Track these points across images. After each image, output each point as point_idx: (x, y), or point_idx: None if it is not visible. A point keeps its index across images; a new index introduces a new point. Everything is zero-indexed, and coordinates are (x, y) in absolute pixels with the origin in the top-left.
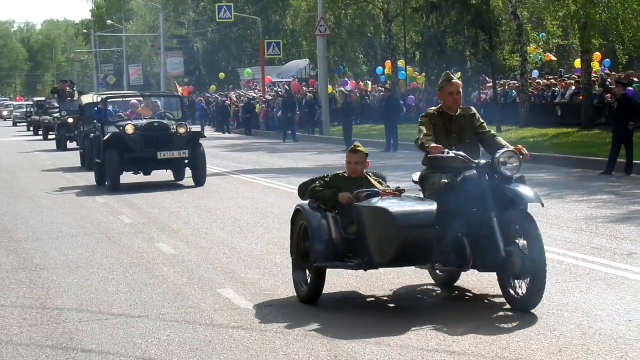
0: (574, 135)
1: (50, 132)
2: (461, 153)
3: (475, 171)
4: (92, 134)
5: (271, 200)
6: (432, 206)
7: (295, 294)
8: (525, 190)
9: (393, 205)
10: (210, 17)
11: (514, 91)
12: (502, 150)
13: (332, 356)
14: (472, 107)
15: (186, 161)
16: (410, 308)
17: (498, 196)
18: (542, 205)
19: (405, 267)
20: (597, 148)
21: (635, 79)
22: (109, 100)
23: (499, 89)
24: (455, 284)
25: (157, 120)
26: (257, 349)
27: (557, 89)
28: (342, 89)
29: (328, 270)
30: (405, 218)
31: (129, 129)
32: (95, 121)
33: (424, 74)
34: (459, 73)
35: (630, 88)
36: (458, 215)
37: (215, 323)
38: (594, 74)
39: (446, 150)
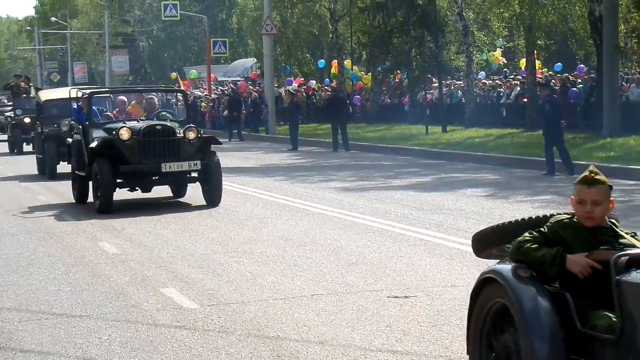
0: (519, 135)
1: (0, 133)
2: None
3: None
4: (70, 139)
5: None
6: None
7: (238, 293)
8: None
9: None
10: (156, 15)
11: (459, 92)
12: None
13: (274, 356)
14: None
15: (195, 174)
16: None
17: None
18: None
19: None
20: (541, 149)
21: (580, 80)
22: (94, 96)
23: (444, 89)
24: None
25: (159, 122)
26: (199, 348)
27: (502, 89)
28: (289, 88)
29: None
30: None
31: (124, 134)
32: (72, 122)
33: (370, 73)
34: (405, 73)
35: (574, 89)
36: None
37: (158, 323)
38: (539, 75)
39: None
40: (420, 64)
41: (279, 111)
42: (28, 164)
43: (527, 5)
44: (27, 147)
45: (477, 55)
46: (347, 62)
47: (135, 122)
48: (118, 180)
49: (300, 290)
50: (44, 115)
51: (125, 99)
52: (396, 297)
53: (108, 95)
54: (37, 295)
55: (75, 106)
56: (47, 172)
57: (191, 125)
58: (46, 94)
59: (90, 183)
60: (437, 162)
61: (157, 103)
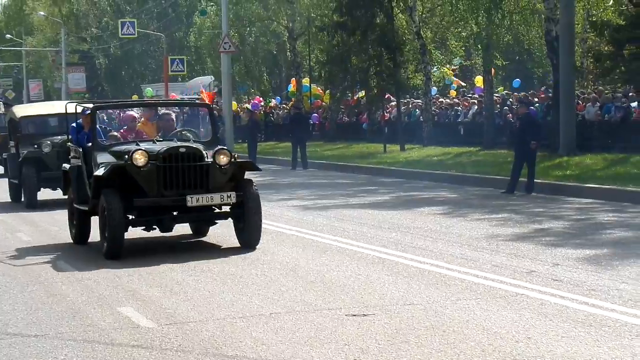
0: (476, 154)
1: None
2: None
3: None
4: (67, 165)
5: None
6: None
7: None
8: None
9: None
10: (113, 32)
11: (417, 110)
12: None
13: None
14: None
15: (227, 209)
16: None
17: None
18: None
19: None
20: (499, 167)
21: (536, 99)
22: (99, 111)
23: (403, 107)
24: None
25: (183, 143)
26: None
27: (460, 108)
28: (247, 106)
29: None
30: None
31: (139, 159)
32: (70, 143)
33: (328, 91)
34: (363, 91)
35: (532, 108)
36: None
37: (115, 342)
38: (496, 95)
39: None
40: (378, 83)
41: (237, 129)
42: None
43: (484, 25)
44: None
45: (434, 74)
46: (305, 81)
47: (151, 143)
48: (131, 217)
49: (258, 309)
50: (20, 134)
51: (135, 114)
52: (354, 315)
53: (114, 110)
54: None
55: (73, 124)
56: (25, 200)
57: (222, 147)
58: (22, 110)
59: (93, 219)
60: (395, 180)
61: (175, 120)
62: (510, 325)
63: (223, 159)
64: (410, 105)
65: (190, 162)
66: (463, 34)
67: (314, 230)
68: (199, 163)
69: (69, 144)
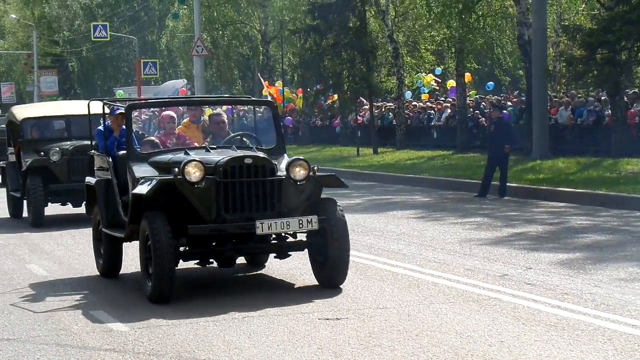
0: (449, 157)
1: None
2: None
3: None
4: (91, 179)
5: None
6: None
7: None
8: None
9: None
10: (85, 36)
11: (390, 113)
12: None
13: None
14: None
15: (303, 237)
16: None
17: None
18: None
19: None
20: (472, 171)
21: (510, 103)
22: (134, 111)
23: (376, 111)
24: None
25: (246, 152)
26: None
27: (433, 111)
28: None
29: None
30: None
31: (194, 173)
32: (94, 152)
33: (301, 95)
34: (336, 95)
35: (505, 112)
36: None
37: (88, 346)
38: (469, 99)
39: None
40: (351, 86)
41: None
42: None
43: (457, 28)
44: None
45: (407, 78)
46: (279, 84)
47: (204, 152)
48: (181, 248)
49: (231, 312)
50: (21, 139)
51: (173, 114)
52: (327, 319)
53: (152, 109)
54: None
55: (100, 127)
56: (30, 217)
57: (298, 157)
58: (24, 111)
59: (126, 246)
60: (368, 183)
61: (226, 122)
62: (483, 329)
63: (300, 173)
64: (383, 109)
65: (258, 176)
66: (437, 38)
67: None
68: (269, 178)
69: (94, 151)
